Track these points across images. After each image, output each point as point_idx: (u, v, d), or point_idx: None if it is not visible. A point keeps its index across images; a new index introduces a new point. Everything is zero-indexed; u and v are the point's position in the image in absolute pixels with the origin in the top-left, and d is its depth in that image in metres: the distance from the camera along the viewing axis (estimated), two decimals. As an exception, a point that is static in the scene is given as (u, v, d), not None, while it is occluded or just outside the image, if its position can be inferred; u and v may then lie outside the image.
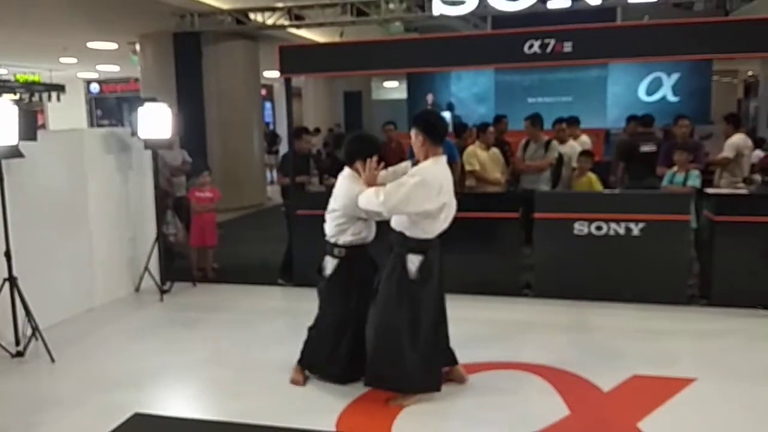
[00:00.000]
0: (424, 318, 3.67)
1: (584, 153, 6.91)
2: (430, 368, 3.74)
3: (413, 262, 3.61)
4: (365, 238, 3.99)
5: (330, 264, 3.97)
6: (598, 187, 6.63)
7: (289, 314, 5.97)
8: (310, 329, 4.16)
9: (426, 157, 3.67)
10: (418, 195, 3.50)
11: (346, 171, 4.01)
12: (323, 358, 4.06)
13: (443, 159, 3.72)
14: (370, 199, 3.61)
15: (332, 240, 3.97)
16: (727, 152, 6.55)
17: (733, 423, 3.49)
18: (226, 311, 5.80)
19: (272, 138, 18.25)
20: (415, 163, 3.83)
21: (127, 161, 6.30)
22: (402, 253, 3.65)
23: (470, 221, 5.96)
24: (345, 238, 3.93)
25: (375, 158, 3.78)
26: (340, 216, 3.91)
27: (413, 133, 3.70)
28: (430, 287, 3.68)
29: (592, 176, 6.65)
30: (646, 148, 6.94)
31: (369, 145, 3.99)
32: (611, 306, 5.52)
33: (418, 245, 3.63)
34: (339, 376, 4.02)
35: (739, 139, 6.63)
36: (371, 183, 3.72)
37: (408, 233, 3.64)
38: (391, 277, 3.67)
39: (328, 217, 4.02)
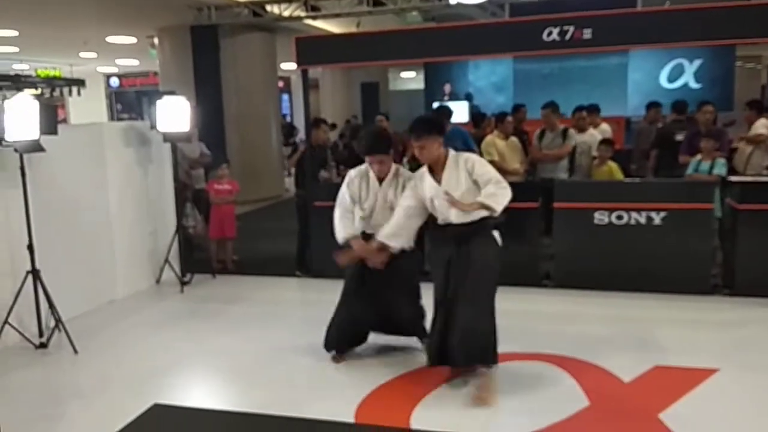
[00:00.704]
0: None
1: (604, 141, 6.83)
2: None
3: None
4: None
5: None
6: (619, 175, 6.55)
7: (307, 305, 6.01)
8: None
9: (446, 155, 3.78)
10: None
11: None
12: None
13: None
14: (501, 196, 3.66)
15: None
16: (762, 129, 6.47)
17: (755, 414, 3.43)
18: (245, 303, 5.84)
19: (289, 130, 18.28)
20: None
21: (146, 154, 6.35)
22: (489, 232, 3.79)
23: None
24: None
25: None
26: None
27: (429, 142, 3.72)
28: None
29: (613, 165, 6.57)
30: (680, 137, 6.81)
31: (384, 140, 4.10)
32: (632, 296, 5.46)
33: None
34: None
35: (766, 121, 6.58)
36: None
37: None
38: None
39: None
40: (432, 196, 3.78)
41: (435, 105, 12.46)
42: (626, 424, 3.38)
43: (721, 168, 5.85)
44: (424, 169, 3.86)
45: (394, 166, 4.11)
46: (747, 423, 3.34)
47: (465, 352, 3.66)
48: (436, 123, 3.90)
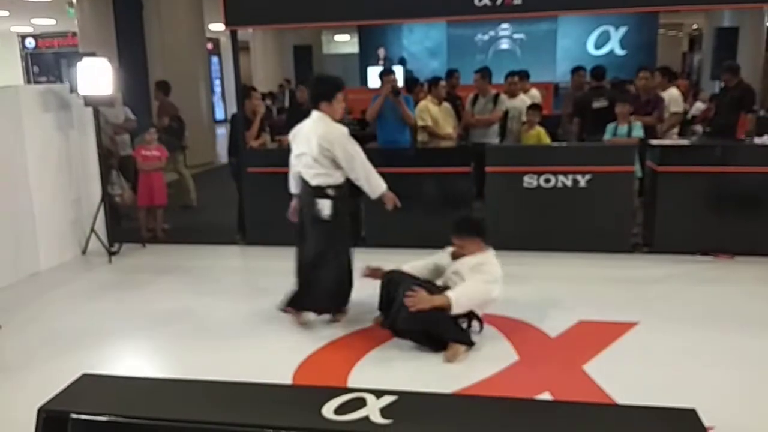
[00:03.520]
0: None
1: (532, 106, 6.98)
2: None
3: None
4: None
5: (326, 206, 4.07)
6: (546, 140, 6.73)
7: (243, 273, 5.96)
8: (313, 272, 4.22)
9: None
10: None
11: (315, 114, 4.13)
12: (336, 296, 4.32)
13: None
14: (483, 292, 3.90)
15: (322, 183, 4.08)
16: (676, 107, 6.82)
17: (673, 363, 3.67)
18: (177, 272, 5.73)
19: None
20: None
21: (67, 119, 6.06)
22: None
23: (423, 176, 6.01)
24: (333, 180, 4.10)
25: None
26: (313, 159, 4.06)
27: (468, 243, 4.05)
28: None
29: (541, 130, 6.74)
30: (598, 104, 7.01)
31: (333, 83, 4.17)
32: (558, 256, 5.68)
33: None
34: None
35: (677, 92, 6.98)
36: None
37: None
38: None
39: (299, 161, 4.16)
40: (446, 265, 4.11)
41: (370, 69, 12.43)
42: (553, 376, 3.55)
43: (638, 131, 6.14)
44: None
45: None
46: (663, 370, 3.57)
47: None
48: (479, 227, 4.12)
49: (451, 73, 8.11)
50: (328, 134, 4.03)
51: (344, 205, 4.18)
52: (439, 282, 4.07)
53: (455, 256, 4.09)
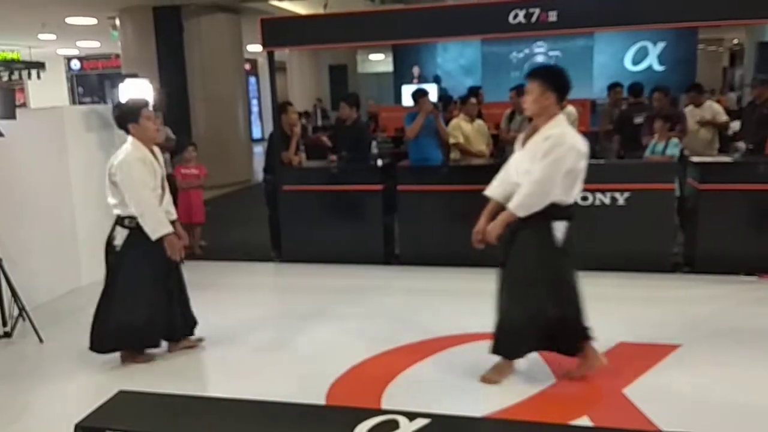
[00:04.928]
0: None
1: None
2: None
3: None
4: None
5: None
6: None
7: (277, 290, 6.01)
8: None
9: (551, 116, 3.46)
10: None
11: (128, 145, 3.96)
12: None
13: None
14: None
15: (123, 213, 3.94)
16: (723, 116, 6.80)
17: (715, 388, 3.55)
18: (213, 288, 5.79)
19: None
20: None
21: (109, 139, 6.21)
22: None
23: (458, 194, 5.98)
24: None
25: None
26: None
27: (535, 87, 3.44)
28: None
29: None
30: (639, 119, 6.96)
31: (134, 104, 4.05)
32: (596, 275, 5.53)
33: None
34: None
35: (718, 105, 6.93)
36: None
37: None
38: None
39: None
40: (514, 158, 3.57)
41: (405, 87, 12.49)
42: (592, 400, 3.47)
43: (673, 148, 6.01)
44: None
45: None
46: (706, 396, 3.45)
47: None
48: (550, 71, 3.57)
49: (473, 91, 8.09)
50: None
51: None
52: None
53: (527, 138, 3.55)
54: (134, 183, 3.83)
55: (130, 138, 3.98)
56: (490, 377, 3.67)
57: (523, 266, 3.51)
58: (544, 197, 3.34)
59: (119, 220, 3.96)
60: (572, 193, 3.44)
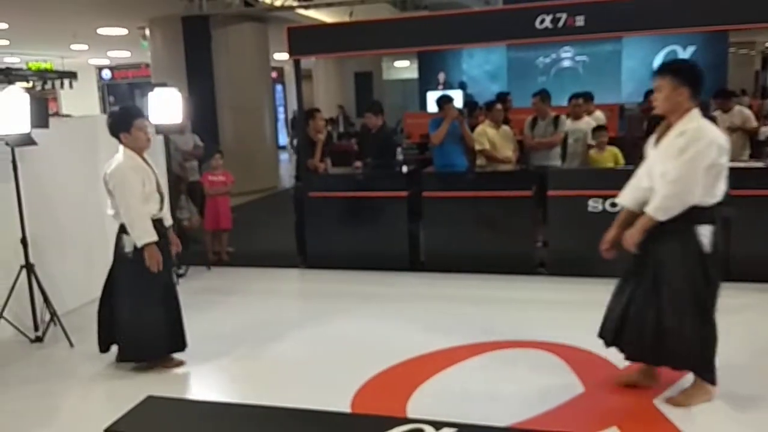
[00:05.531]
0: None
1: (600, 128, 6.86)
2: None
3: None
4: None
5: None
6: (622, 160, 6.58)
7: (303, 296, 6.03)
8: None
9: (683, 113, 3.27)
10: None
11: (120, 154, 3.99)
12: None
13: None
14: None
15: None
16: (753, 121, 6.71)
17: (751, 398, 3.45)
18: (241, 294, 5.84)
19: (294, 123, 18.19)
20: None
21: (139, 147, 6.31)
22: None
23: (483, 200, 5.95)
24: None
25: None
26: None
27: (666, 83, 3.28)
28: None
29: (616, 150, 6.62)
30: None
31: (126, 114, 4.08)
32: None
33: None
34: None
35: (748, 111, 6.88)
36: None
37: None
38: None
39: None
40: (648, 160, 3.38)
41: (430, 94, 12.50)
42: (621, 410, 3.40)
43: None
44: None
45: None
46: (741, 406, 3.36)
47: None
48: (681, 65, 3.44)
49: (501, 97, 8.04)
50: None
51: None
52: None
53: (659, 138, 3.36)
54: (125, 191, 3.91)
55: (121, 147, 4.02)
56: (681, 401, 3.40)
57: (667, 276, 3.26)
58: (685, 198, 3.13)
59: (124, 229, 4.01)
60: (715, 192, 3.19)
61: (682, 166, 3.11)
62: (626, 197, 3.52)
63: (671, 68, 3.34)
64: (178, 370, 4.16)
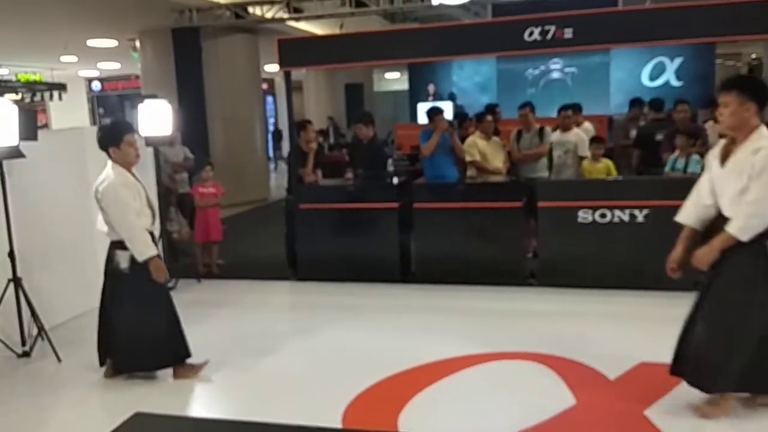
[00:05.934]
0: None
1: (596, 139, 6.91)
2: None
3: None
4: None
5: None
6: (614, 172, 6.63)
7: (294, 308, 6.00)
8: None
9: (751, 129, 3.20)
10: None
11: (110, 170, 3.98)
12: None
13: None
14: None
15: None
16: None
17: (740, 409, 3.46)
18: (231, 307, 5.81)
19: (279, 135, 18.21)
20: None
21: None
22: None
23: (474, 211, 5.96)
24: None
25: None
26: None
27: (732, 99, 3.21)
28: None
29: (609, 162, 6.66)
30: (660, 136, 6.91)
31: (117, 128, 4.09)
32: (615, 293, 5.49)
33: None
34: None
35: None
36: None
37: None
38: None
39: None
40: (712, 178, 3.34)
41: (420, 105, 12.54)
42: (612, 422, 3.40)
43: (694, 165, 5.93)
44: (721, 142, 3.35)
45: None
46: (731, 417, 3.37)
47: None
48: (747, 80, 3.41)
49: (490, 109, 8.07)
50: None
51: None
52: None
53: (724, 155, 3.29)
54: (119, 208, 3.90)
55: (110, 162, 4.01)
56: (709, 411, 3.38)
57: (736, 294, 3.27)
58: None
59: (118, 245, 4.00)
60: None
61: (764, 186, 3.08)
62: (688, 216, 3.51)
63: (737, 84, 3.30)
64: (169, 382, 4.12)
